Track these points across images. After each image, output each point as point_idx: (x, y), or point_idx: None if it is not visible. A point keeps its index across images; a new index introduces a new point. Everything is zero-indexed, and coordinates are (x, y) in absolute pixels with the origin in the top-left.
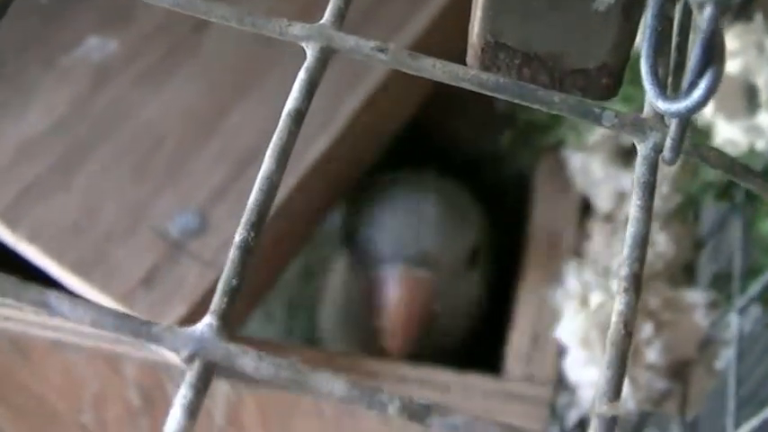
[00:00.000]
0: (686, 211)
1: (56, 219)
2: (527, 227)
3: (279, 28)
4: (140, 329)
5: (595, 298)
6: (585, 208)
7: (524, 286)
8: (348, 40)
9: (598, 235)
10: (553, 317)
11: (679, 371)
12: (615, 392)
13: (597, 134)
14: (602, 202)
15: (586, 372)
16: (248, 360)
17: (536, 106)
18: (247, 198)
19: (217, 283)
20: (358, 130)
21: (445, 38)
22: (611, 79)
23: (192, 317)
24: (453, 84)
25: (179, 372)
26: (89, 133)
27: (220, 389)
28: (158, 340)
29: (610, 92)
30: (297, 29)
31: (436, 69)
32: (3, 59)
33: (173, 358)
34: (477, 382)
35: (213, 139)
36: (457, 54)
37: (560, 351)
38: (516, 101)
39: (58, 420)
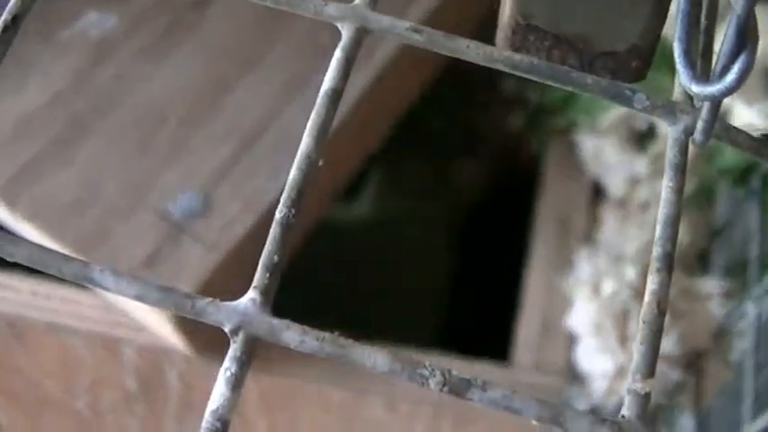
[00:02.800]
0: (701, 197)
1: (56, 196)
2: (536, 211)
3: (314, 8)
4: (184, 303)
5: (608, 286)
6: (597, 193)
7: (533, 272)
8: (383, 21)
9: (610, 221)
10: (564, 304)
11: (693, 362)
12: (649, 369)
13: (610, 118)
14: (615, 187)
15: (598, 360)
16: (292, 334)
17: (568, 88)
18: (250, 179)
19: (220, 265)
20: (366, 109)
21: (456, 18)
22: (641, 62)
23: None
24: (486, 65)
25: (180, 357)
26: (89, 109)
27: None
28: (202, 314)
29: (639, 74)
30: (332, 9)
31: (470, 50)
32: None
33: (174, 342)
34: (485, 370)
35: (216, 117)
36: (466, 33)
37: (571, 339)
38: (548, 82)
39: (51, 406)
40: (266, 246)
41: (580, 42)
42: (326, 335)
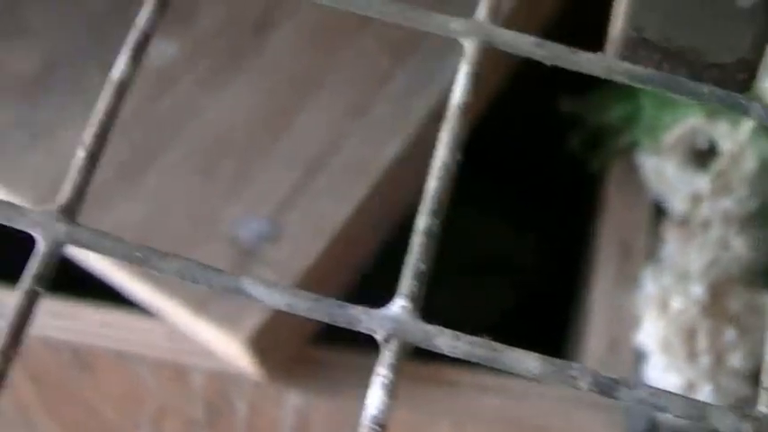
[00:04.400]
0: (765, 214)
1: (123, 227)
2: (598, 231)
3: (439, 24)
4: (336, 312)
5: (675, 303)
6: (658, 212)
7: (597, 291)
8: (506, 35)
9: (673, 239)
10: (630, 322)
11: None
12: None
13: (672, 137)
14: (678, 205)
15: (667, 377)
16: (444, 339)
17: (684, 98)
18: (318, 204)
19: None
20: (429, 135)
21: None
22: (748, 74)
23: (270, 325)
24: (606, 77)
25: (249, 383)
26: (153, 138)
27: (291, 400)
28: (355, 322)
29: (745, 86)
30: (457, 24)
31: (592, 63)
32: (58, 64)
33: (243, 368)
34: (552, 388)
35: (280, 143)
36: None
37: (638, 357)
38: (667, 92)
39: None
40: (411, 254)
41: (690, 54)
42: (479, 340)
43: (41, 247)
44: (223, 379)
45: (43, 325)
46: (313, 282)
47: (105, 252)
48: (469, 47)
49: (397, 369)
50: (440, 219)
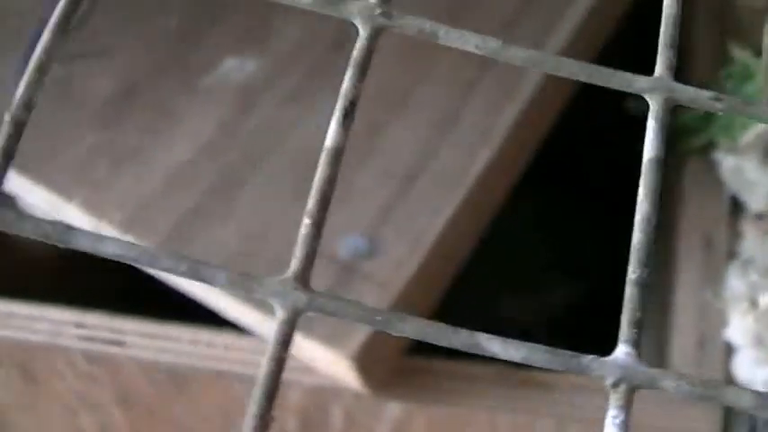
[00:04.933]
0: None
1: (219, 247)
2: (678, 227)
3: (623, 81)
4: (570, 362)
5: (765, 298)
6: (735, 208)
7: (682, 286)
8: (688, 91)
9: (752, 235)
10: (717, 319)
11: None
12: None
13: (749, 135)
14: (755, 202)
15: (758, 371)
16: (668, 381)
17: None
18: (413, 218)
19: (394, 304)
20: (515, 142)
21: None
22: None
23: (373, 340)
24: None
25: (349, 395)
26: (240, 158)
27: (389, 411)
28: (587, 370)
29: None
30: (641, 82)
31: (764, 114)
32: (139, 85)
33: (344, 382)
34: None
35: (371, 158)
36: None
37: (728, 352)
38: None
39: None
40: (626, 304)
41: None
42: (698, 379)
43: (280, 314)
44: (320, 393)
45: (137, 346)
46: (413, 294)
47: (347, 316)
48: (655, 103)
49: (627, 410)
50: (649, 268)
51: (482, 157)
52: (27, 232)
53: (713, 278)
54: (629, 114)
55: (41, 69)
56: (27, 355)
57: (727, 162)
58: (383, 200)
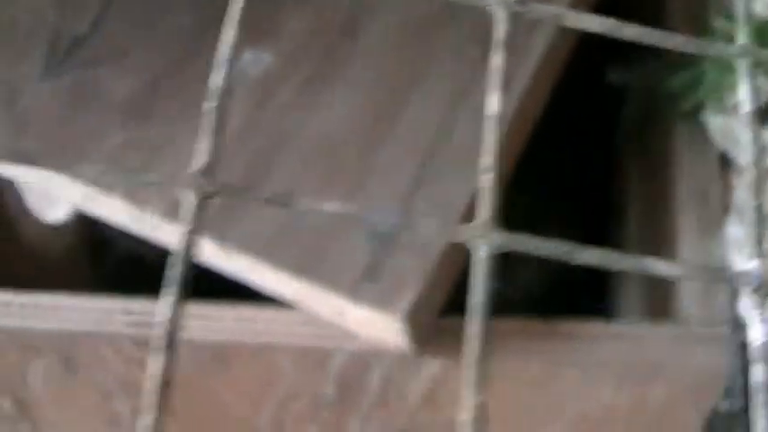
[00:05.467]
0: None
1: (261, 226)
2: (674, 188)
3: (719, 49)
4: (719, 275)
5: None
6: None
7: (684, 240)
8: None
9: (742, 187)
10: (720, 264)
11: None
12: None
13: (736, 96)
14: (744, 158)
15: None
16: None
17: None
18: (440, 189)
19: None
20: (526, 108)
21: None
22: None
23: (421, 300)
24: None
25: (390, 356)
26: (266, 147)
27: (427, 368)
28: (735, 280)
29: None
30: (733, 49)
31: None
32: (158, 83)
33: (389, 345)
34: (662, 328)
35: (392, 137)
36: None
37: (733, 296)
38: None
39: (230, 428)
40: (750, 229)
41: None
42: None
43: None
44: (364, 357)
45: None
46: (450, 259)
47: (537, 251)
48: (742, 66)
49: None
50: None
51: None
52: None
53: (712, 229)
54: (612, 85)
55: None
56: (70, 345)
57: (714, 122)
58: (410, 174)
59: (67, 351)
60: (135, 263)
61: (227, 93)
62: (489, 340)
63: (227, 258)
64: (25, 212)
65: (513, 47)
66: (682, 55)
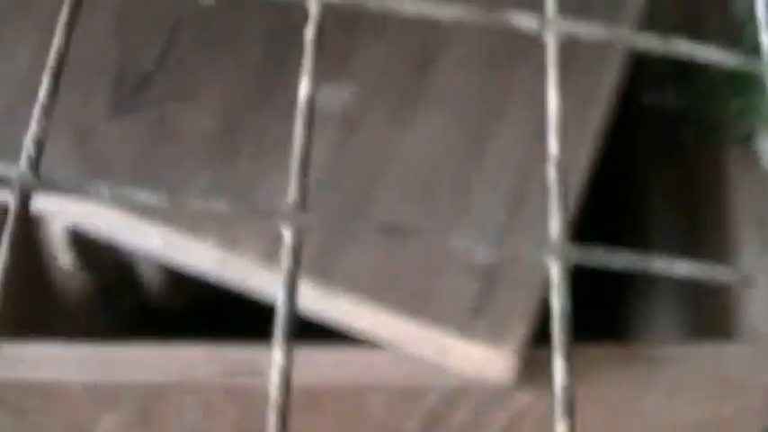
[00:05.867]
0: None
1: (363, 269)
2: (730, 214)
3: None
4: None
5: None
6: None
7: (745, 263)
8: None
9: None
10: None
11: None
12: None
13: None
14: None
15: None
16: None
17: None
18: (538, 218)
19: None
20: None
21: None
22: None
23: (529, 336)
24: None
25: (481, 391)
26: (356, 182)
27: (515, 401)
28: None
29: None
30: None
31: None
32: (236, 119)
33: (481, 378)
34: (740, 349)
35: (481, 169)
36: None
37: None
38: None
39: None
40: None
41: None
42: None
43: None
44: (452, 393)
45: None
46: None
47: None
48: None
49: None
50: None
51: (585, 152)
52: None
53: None
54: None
55: None
56: (147, 396)
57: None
58: (503, 206)
59: (145, 403)
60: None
61: (311, 127)
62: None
63: (326, 301)
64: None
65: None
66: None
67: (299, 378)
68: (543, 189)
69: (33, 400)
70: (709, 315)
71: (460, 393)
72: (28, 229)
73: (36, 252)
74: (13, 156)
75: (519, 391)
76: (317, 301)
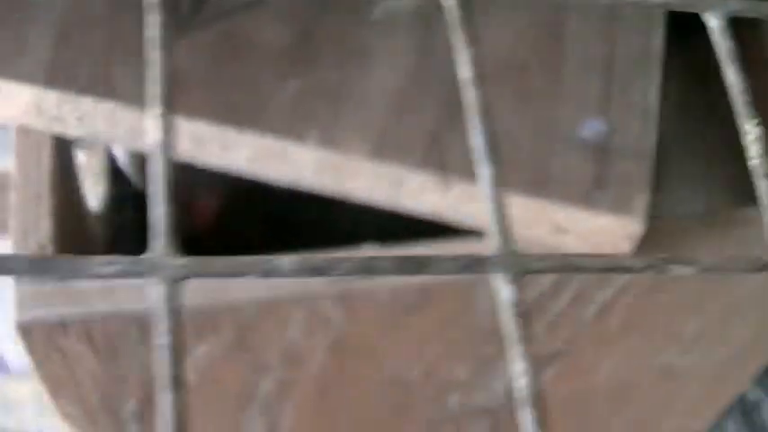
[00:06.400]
0: None
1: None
2: None
3: None
4: None
5: None
6: None
7: None
8: None
9: None
10: None
11: None
12: None
13: None
14: None
15: None
16: None
17: None
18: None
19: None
20: None
21: None
22: None
23: (649, 206)
24: None
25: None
26: (446, 77)
27: (601, 294)
28: None
29: None
30: None
31: None
32: (310, 28)
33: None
34: None
35: (566, 54)
36: None
37: None
38: None
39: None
40: None
41: None
42: None
43: None
44: (567, 275)
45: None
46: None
47: None
48: None
49: None
50: None
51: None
52: None
53: None
54: None
55: None
56: (252, 315)
57: None
58: (597, 86)
59: (246, 322)
60: None
61: (390, 30)
62: None
63: (441, 192)
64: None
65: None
66: None
67: (410, 277)
68: (630, 59)
69: (131, 332)
70: None
71: (571, 274)
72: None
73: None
74: None
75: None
76: (431, 193)
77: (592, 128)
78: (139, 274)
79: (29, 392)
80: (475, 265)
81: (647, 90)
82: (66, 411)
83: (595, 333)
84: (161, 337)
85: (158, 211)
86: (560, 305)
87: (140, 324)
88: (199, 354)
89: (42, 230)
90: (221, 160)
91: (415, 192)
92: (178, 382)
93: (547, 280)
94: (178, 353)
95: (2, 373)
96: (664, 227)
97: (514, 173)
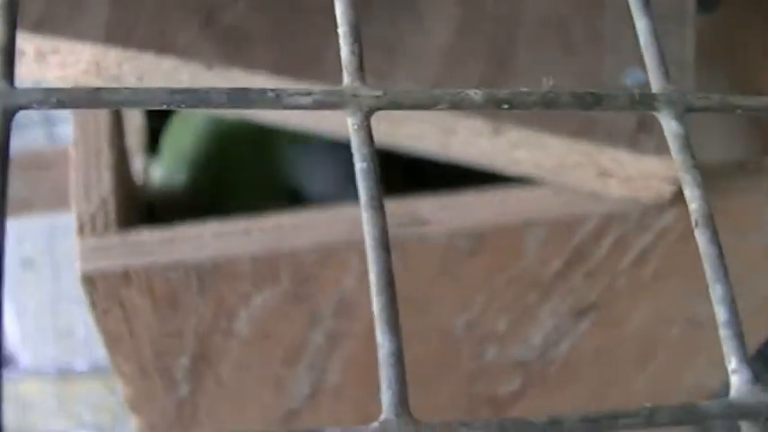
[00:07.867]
0: None
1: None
2: None
3: None
4: None
5: None
6: None
7: None
8: None
9: None
10: None
11: None
12: None
13: None
14: None
15: None
16: None
17: None
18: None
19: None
20: None
21: None
22: None
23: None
24: None
25: (634, 214)
26: (497, 31)
27: (641, 239)
28: None
29: None
30: None
31: None
32: None
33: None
34: None
35: (601, 9)
36: None
37: None
38: None
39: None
40: None
41: None
42: None
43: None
44: (604, 221)
45: (440, 221)
46: None
47: None
48: None
49: None
50: None
51: None
52: None
53: None
54: None
55: None
56: (311, 263)
57: None
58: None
59: (305, 270)
60: None
61: None
62: None
63: (492, 137)
64: None
65: None
66: None
67: (461, 221)
68: (664, 12)
69: (192, 282)
70: None
71: (614, 218)
72: None
73: None
74: None
75: (671, 207)
76: (482, 138)
77: (634, 77)
78: (335, 105)
79: (40, 392)
80: (645, 101)
81: (683, 42)
82: (122, 370)
83: (630, 283)
84: (359, 163)
85: (348, 50)
86: (601, 252)
87: (200, 275)
88: (256, 304)
89: (104, 183)
90: (281, 113)
91: (467, 139)
92: (378, 203)
93: (591, 224)
94: (376, 176)
95: (14, 372)
96: (704, 171)
97: (561, 119)
